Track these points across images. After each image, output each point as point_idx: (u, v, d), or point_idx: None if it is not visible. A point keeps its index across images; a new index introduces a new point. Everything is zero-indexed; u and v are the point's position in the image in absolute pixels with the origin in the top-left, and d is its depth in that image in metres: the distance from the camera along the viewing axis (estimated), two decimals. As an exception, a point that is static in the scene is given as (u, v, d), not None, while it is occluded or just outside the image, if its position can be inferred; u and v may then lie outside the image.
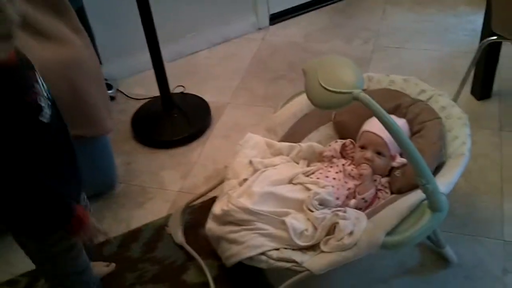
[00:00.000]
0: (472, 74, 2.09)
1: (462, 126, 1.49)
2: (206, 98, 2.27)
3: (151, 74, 2.10)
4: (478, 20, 2.25)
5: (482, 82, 2.12)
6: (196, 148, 2.07)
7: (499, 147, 1.92)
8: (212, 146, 2.08)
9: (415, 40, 2.55)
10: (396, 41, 2.56)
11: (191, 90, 2.32)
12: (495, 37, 1.91)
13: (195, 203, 1.76)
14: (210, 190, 1.70)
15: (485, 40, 1.94)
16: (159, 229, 1.75)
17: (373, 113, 1.18)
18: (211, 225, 1.49)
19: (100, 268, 1.62)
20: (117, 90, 2.38)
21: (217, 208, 1.48)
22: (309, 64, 1.27)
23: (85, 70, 1.62)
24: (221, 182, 1.64)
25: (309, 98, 1.26)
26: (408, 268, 1.56)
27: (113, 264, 1.65)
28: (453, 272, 1.53)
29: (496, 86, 2.15)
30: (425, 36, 2.57)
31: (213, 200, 1.74)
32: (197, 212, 1.78)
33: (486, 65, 2.07)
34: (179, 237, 1.69)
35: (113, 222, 1.80)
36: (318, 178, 1.52)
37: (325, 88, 1.19)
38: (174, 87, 2.24)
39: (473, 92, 2.17)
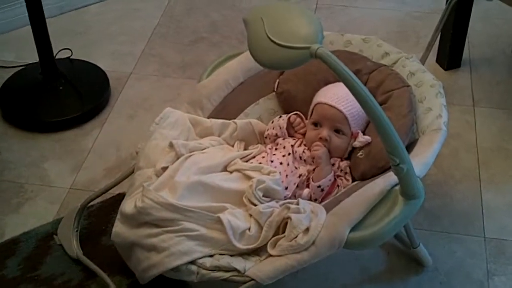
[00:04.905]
0: (438, 38, 2.19)
1: (436, 95, 1.56)
2: (102, 66, 2.23)
3: (23, 33, 2.03)
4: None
5: (450, 48, 2.23)
6: (91, 131, 2.03)
7: (473, 126, 2.03)
8: (113, 128, 2.05)
9: (366, -3, 2.65)
10: (344, -3, 2.64)
11: (79, 55, 2.27)
12: (467, -9, 2.02)
13: (93, 203, 1.73)
14: (114, 185, 1.67)
15: (455, -6, 2.04)
16: (45, 239, 1.71)
17: (336, 74, 1.20)
18: (120, 229, 1.46)
19: None
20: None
21: (128, 206, 1.45)
22: (253, 13, 1.27)
23: None
24: (130, 174, 1.62)
25: (253, 55, 1.26)
26: (373, 275, 1.61)
27: None
28: (428, 278, 1.60)
29: (466, 53, 2.27)
30: (379, -7, 2.67)
31: (118, 198, 1.73)
32: (97, 215, 1.76)
33: (454, 28, 2.18)
34: (74, 248, 1.65)
35: (-22, 231, 1.73)
36: (260, 163, 1.53)
37: (275, 43, 1.20)
38: (57, 51, 2.17)
39: (439, 60, 2.29)
